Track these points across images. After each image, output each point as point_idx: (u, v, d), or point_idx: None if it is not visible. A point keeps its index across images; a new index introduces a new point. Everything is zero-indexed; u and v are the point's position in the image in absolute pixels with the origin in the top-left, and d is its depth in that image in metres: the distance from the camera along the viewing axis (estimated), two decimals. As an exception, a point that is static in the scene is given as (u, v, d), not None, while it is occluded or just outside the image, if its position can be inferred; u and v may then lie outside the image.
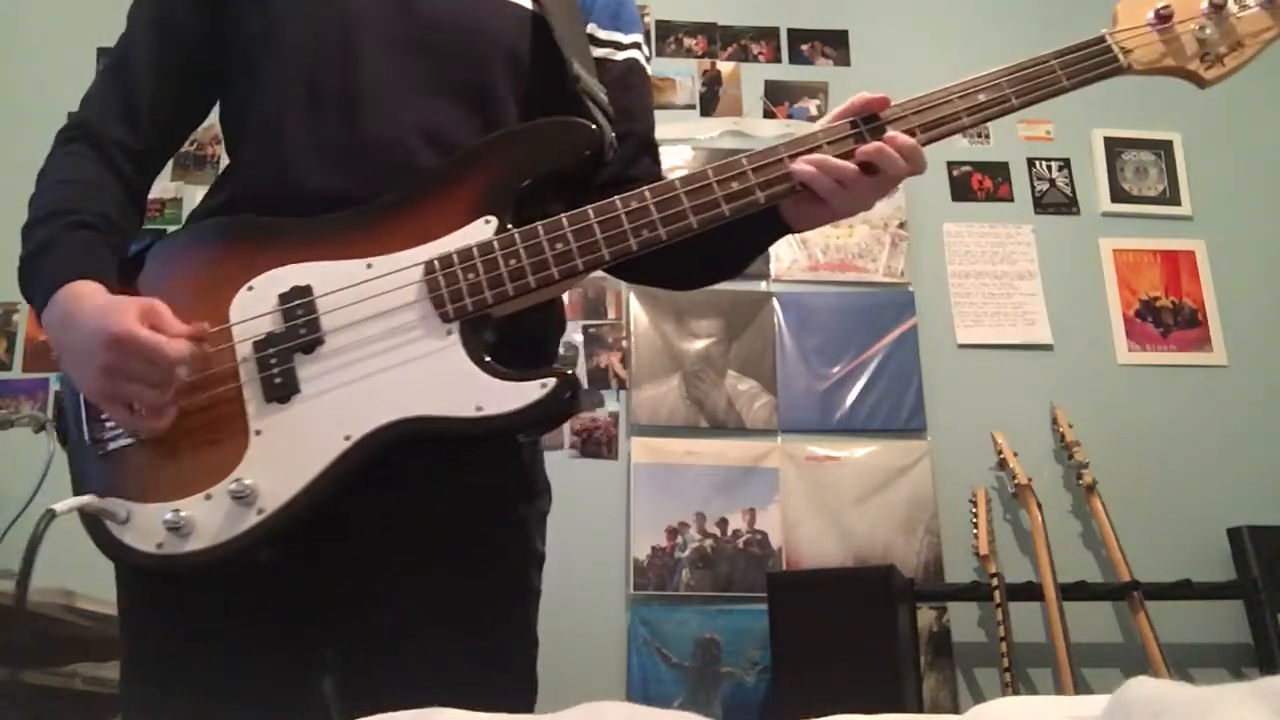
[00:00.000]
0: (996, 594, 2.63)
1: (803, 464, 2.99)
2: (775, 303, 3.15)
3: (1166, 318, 3.23)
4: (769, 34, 3.46)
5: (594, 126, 1.06)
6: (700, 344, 3.10)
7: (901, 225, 3.26)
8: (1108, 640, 2.87)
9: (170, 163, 3.08)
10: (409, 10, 1.10)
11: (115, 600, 1.06)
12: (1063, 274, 3.23)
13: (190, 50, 1.14)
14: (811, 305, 3.16)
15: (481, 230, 1.01)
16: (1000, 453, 2.90)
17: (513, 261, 0.99)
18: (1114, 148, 3.38)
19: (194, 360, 0.96)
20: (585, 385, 3.04)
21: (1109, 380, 3.14)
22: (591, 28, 1.22)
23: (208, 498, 0.94)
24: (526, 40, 1.12)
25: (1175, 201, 3.35)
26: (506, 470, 1.09)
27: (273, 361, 0.98)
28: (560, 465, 2.87)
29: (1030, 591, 2.69)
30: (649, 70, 1.27)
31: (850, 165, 1.02)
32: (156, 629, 1.04)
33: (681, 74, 3.39)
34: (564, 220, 1.01)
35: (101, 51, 3.17)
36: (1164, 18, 1.09)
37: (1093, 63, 1.08)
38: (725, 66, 3.41)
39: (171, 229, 1.13)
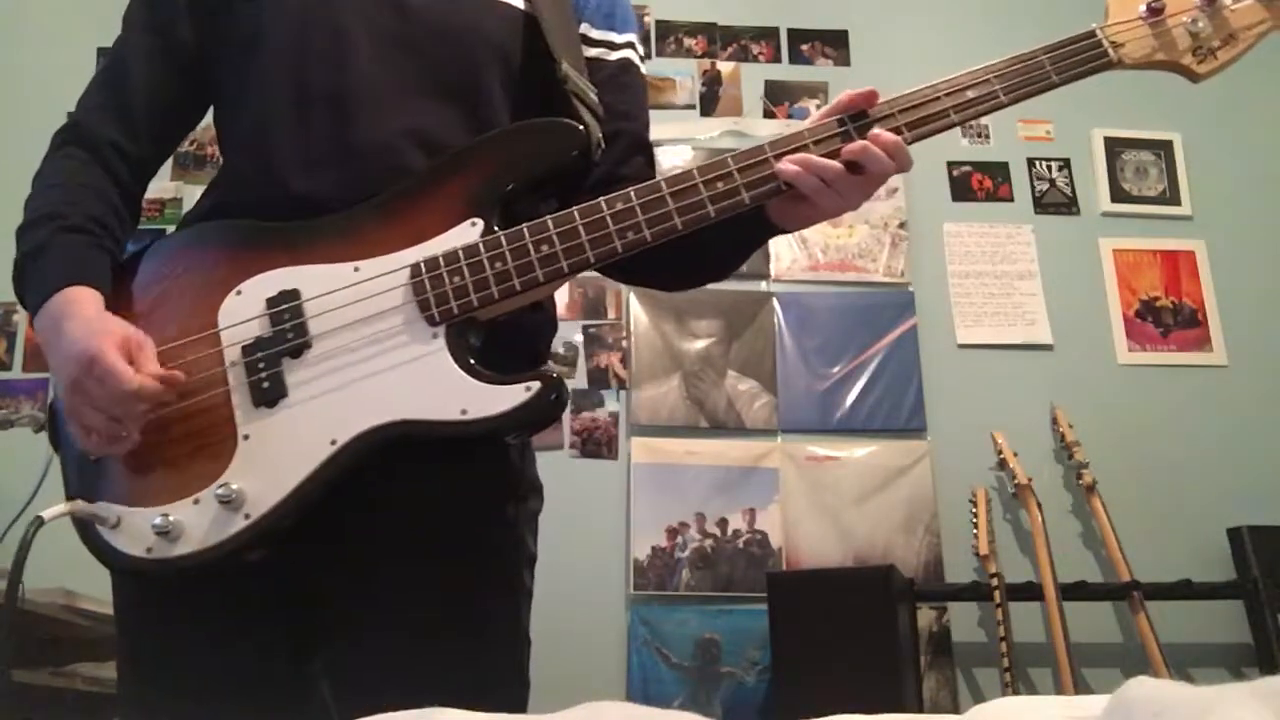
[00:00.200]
0: (996, 594, 2.63)
1: (803, 464, 2.99)
2: (775, 303, 3.15)
3: (1166, 318, 3.22)
4: (769, 34, 3.46)
5: (580, 127, 1.06)
6: (700, 344, 3.10)
7: (901, 225, 3.26)
8: (1108, 640, 2.87)
9: (170, 163, 3.12)
10: (400, 10, 1.10)
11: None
12: (1063, 274, 3.23)
13: (184, 54, 1.14)
14: (811, 305, 3.16)
15: (467, 233, 1.00)
16: (1000, 453, 2.90)
17: (498, 264, 0.99)
18: (1114, 148, 3.38)
19: (159, 400, 0.95)
20: (585, 385, 3.04)
21: (1109, 380, 3.14)
22: (584, 28, 1.22)
23: (196, 502, 0.94)
24: (518, 40, 1.12)
25: (1175, 201, 3.35)
26: (495, 471, 1.09)
27: (260, 366, 0.98)
28: (560, 465, 2.88)
29: (1030, 591, 2.69)
30: (644, 70, 1.27)
31: (835, 164, 1.01)
32: (152, 630, 1.04)
33: (681, 74, 3.39)
34: (549, 222, 1.00)
35: (101, 51, 3.17)
36: (1156, 11, 1.08)
37: (1082, 57, 1.06)
38: (725, 66, 3.41)
39: (171, 229, 1.13)
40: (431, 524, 1.03)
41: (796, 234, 3.19)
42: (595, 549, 2.86)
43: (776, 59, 3.44)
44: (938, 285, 3.21)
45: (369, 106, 1.06)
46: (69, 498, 0.97)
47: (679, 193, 1.02)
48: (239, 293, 1.01)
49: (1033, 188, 3.33)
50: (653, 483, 2.95)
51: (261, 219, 1.04)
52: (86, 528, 0.96)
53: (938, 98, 1.05)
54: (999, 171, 3.34)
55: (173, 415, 0.96)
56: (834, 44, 3.46)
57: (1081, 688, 2.61)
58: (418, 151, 1.06)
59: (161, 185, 3.13)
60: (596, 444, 2.99)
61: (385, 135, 1.05)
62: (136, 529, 0.94)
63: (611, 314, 3.11)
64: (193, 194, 3.10)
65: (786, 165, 1.02)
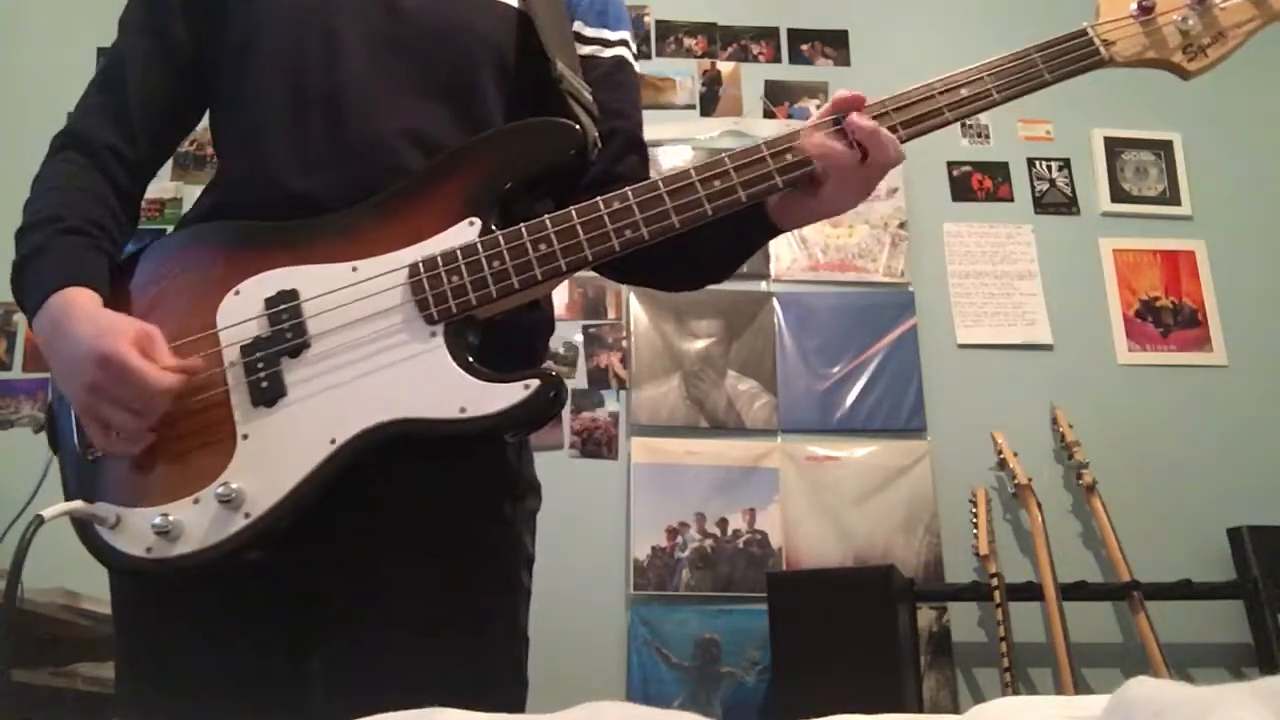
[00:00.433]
0: (996, 594, 2.64)
1: (803, 464, 2.99)
2: (775, 303, 3.15)
3: (1166, 318, 3.23)
4: (769, 34, 3.46)
5: (577, 127, 1.06)
6: (700, 344, 3.10)
7: (901, 225, 3.26)
8: (1108, 640, 2.87)
9: (170, 163, 3.12)
10: (394, 10, 1.10)
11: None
12: (1063, 274, 3.23)
13: (181, 56, 1.14)
14: (811, 305, 3.16)
15: (466, 232, 1.01)
16: (1000, 453, 2.90)
17: (496, 263, 0.99)
18: (1114, 148, 3.38)
19: (180, 393, 0.96)
20: (585, 385, 3.04)
21: (1109, 380, 3.14)
22: (578, 26, 1.22)
23: (195, 502, 0.94)
24: (513, 39, 1.12)
25: (1175, 201, 3.35)
26: (493, 470, 1.09)
27: (259, 366, 0.98)
28: (560, 465, 2.88)
29: (1030, 591, 2.69)
30: (637, 67, 1.27)
31: (847, 149, 1.01)
32: (150, 629, 1.04)
33: (681, 74, 3.39)
34: (547, 221, 1.01)
35: (101, 51, 3.17)
36: (1146, 9, 1.09)
37: (1074, 55, 1.07)
38: (725, 66, 3.41)
39: (171, 229, 1.13)
40: (429, 523, 1.03)
41: (796, 234, 3.19)
42: (595, 549, 2.86)
43: (776, 59, 3.44)
44: (938, 285, 3.21)
45: (364, 107, 1.06)
46: (68, 498, 0.97)
47: (676, 191, 1.02)
48: (237, 293, 1.01)
49: (1033, 188, 3.33)
50: (653, 483, 2.95)
51: (259, 220, 1.04)
52: (85, 528, 0.96)
53: (932, 96, 1.06)
54: (999, 171, 3.34)
55: (172, 415, 0.96)
56: (834, 44, 3.46)
57: (1081, 688, 2.61)
58: (414, 151, 1.06)
59: (161, 185, 3.14)
60: (596, 444, 2.99)
61: (381, 135, 1.06)
62: (136, 529, 0.94)
63: (611, 314, 3.12)
64: (193, 194, 3.09)
65: (809, 141, 1.02)
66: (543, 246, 1.00)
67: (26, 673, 2.04)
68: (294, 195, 1.04)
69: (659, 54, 3.41)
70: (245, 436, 0.96)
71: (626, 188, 1.02)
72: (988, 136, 3.37)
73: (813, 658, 2.39)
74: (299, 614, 1.02)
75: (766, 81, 3.40)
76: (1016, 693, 2.60)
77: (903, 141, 1.04)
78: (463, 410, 0.95)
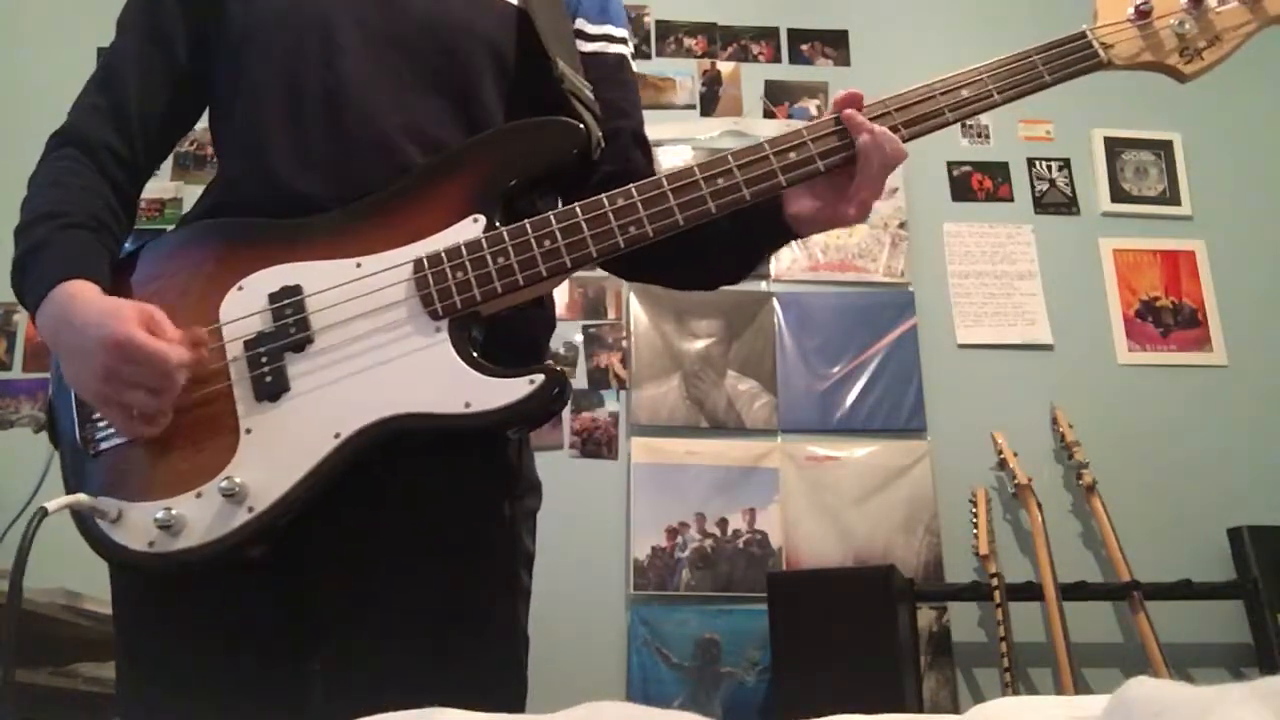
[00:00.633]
0: (996, 594, 2.63)
1: (803, 464, 2.99)
2: (775, 303, 3.15)
3: (1166, 318, 3.23)
4: (769, 34, 3.46)
5: (580, 126, 1.06)
6: (700, 344, 3.10)
7: (901, 225, 3.26)
8: (1108, 640, 2.87)
9: (170, 162, 3.12)
10: (393, 9, 1.10)
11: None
12: (1063, 274, 3.23)
13: (179, 57, 1.14)
14: (811, 305, 3.16)
15: (470, 229, 1.01)
16: (1000, 453, 2.90)
17: (501, 260, 0.99)
18: (1114, 148, 3.38)
19: (190, 365, 0.96)
20: (585, 385, 3.04)
21: (1109, 380, 3.14)
22: (580, 23, 1.23)
23: (199, 496, 0.94)
24: (511, 37, 1.13)
25: (1175, 201, 3.35)
26: (494, 468, 1.09)
27: (263, 360, 0.98)
28: (560, 465, 2.87)
29: (1030, 591, 2.69)
30: (635, 66, 1.28)
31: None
32: (150, 628, 1.04)
33: (681, 74, 3.39)
34: (551, 218, 1.01)
35: (101, 51, 3.16)
36: (1144, 13, 1.11)
37: (1073, 58, 1.09)
38: (725, 66, 3.41)
39: (170, 229, 1.13)
40: (429, 520, 1.03)
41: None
42: (595, 549, 2.86)
43: (776, 59, 3.44)
44: (938, 285, 3.21)
45: (364, 105, 1.06)
46: (69, 493, 0.97)
47: (680, 189, 1.03)
48: (240, 288, 1.01)
49: (1033, 188, 3.34)
50: (653, 483, 2.95)
51: (260, 218, 1.04)
52: (87, 521, 0.96)
53: (933, 96, 1.07)
54: (999, 171, 3.34)
55: (175, 409, 0.96)
56: (834, 44, 3.46)
57: (1081, 688, 2.61)
58: (414, 149, 1.06)
59: (161, 185, 3.14)
60: (596, 444, 2.99)
61: (381, 133, 1.06)
62: (138, 523, 0.94)
63: (611, 314, 3.12)
64: (193, 194, 3.09)
65: (858, 119, 1.03)
66: (547, 243, 1.00)
67: (27, 672, 2.04)
68: (295, 194, 1.04)
69: (659, 54, 3.41)
70: (249, 431, 0.96)
71: (631, 185, 1.03)
72: (988, 136, 3.37)
73: (813, 658, 2.39)
74: (299, 613, 1.02)
75: (766, 81, 3.40)
76: (1016, 693, 2.60)
77: (905, 141, 1.05)
78: (468, 405, 0.95)
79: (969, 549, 2.80)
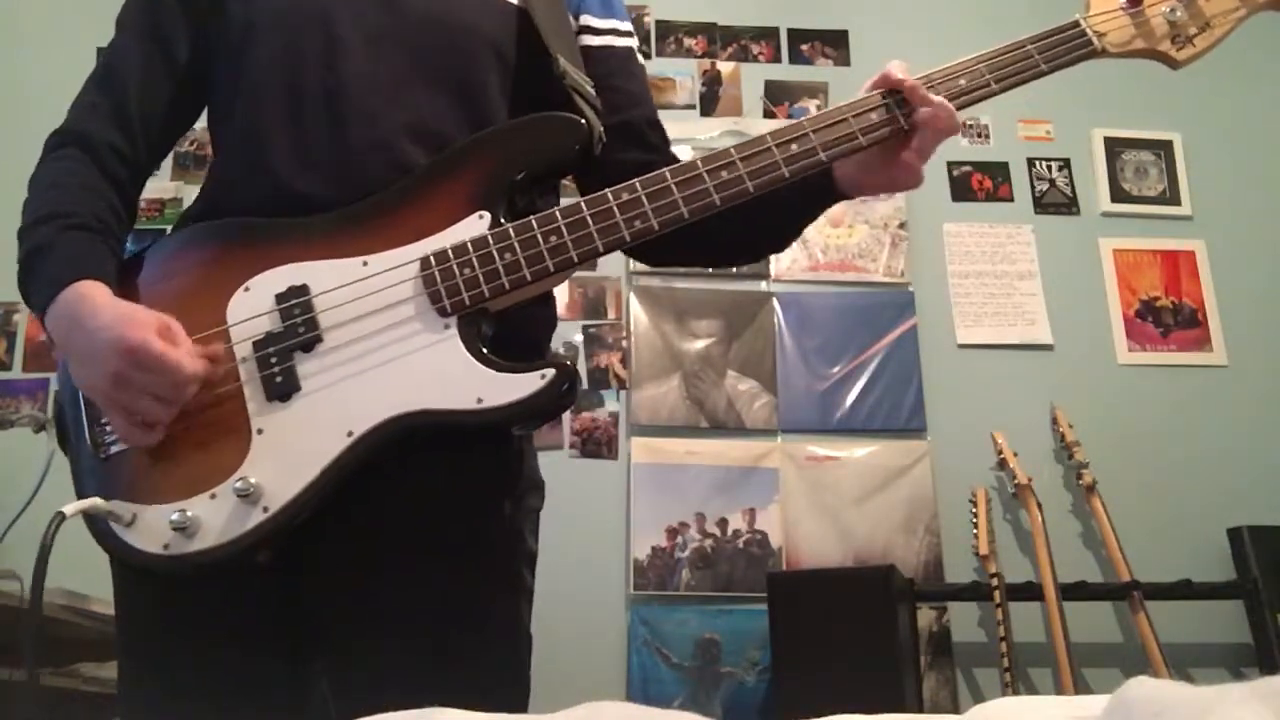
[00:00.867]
0: (996, 594, 2.63)
1: (803, 464, 2.99)
2: (775, 303, 3.15)
3: (1166, 318, 3.23)
4: (769, 34, 3.46)
5: (583, 121, 1.07)
6: (700, 344, 3.10)
7: (901, 225, 3.26)
8: (1108, 640, 2.87)
9: (170, 162, 3.12)
10: (393, 9, 1.10)
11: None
12: (1063, 274, 3.23)
13: (178, 57, 1.14)
14: (811, 305, 3.16)
15: (475, 225, 1.02)
16: (1000, 453, 2.90)
17: (508, 255, 1.00)
18: (1114, 148, 3.38)
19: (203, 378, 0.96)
20: (585, 385, 3.04)
21: (1109, 380, 3.14)
22: (586, 19, 1.24)
23: (213, 497, 0.94)
24: (512, 35, 1.13)
25: (1175, 201, 3.35)
26: (496, 465, 1.09)
27: (272, 360, 0.98)
28: (560, 465, 2.87)
29: (1030, 591, 2.69)
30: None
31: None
32: (152, 628, 1.04)
33: (681, 74, 3.39)
34: (557, 214, 1.02)
35: (101, 51, 3.16)
36: (1135, 1, 1.12)
37: (1068, 46, 1.12)
38: (725, 66, 3.41)
39: (170, 229, 1.13)
40: (430, 518, 1.03)
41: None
42: (595, 549, 2.86)
43: (776, 59, 3.44)
44: (938, 285, 3.21)
45: (365, 104, 1.06)
46: (81, 497, 0.97)
47: (684, 182, 1.04)
48: (247, 289, 1.01)
49: (1033, 188, 3.34)
50: (653, 483, 2.95)
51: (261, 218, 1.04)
52: (101, 525, 0.95)
53: (931, 86, 1.09)
54: (999, 171, 3.34)
55: (186, 412, 0.96)
56: (834, 44, 3.46)
57: (1081, 688, 2.61)
58: (416, 148, 1.06)
59: (161, 185, 3.13)
60: (596, 444, 2.99)
61: (382, 132, 1.06)
62: (153, 526, 0.94)
63: (611, 314, 3.11)
64: (192, 194, 3.07)
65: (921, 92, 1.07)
66: (553, 238, 1.01)
67: (27, 672, 2.04)
68: (295, 194, 1.04)
69: (659, 54, 3.40)
70: (260, 431, 0.96)
71: (635, 180, 1.04)
72: (988, 136, 3.37)
73: (813, 658, 2.39)
74: (300, 614, 1.02)
75: (766, 81, 3.40)
76: (1016, 693, 2.60)
77: (905, 132, 1.08)
78: (480, 400, 0.96)
79: (969, 549, 2.80)
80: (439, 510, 1.03)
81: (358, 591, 1.02)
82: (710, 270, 3.15)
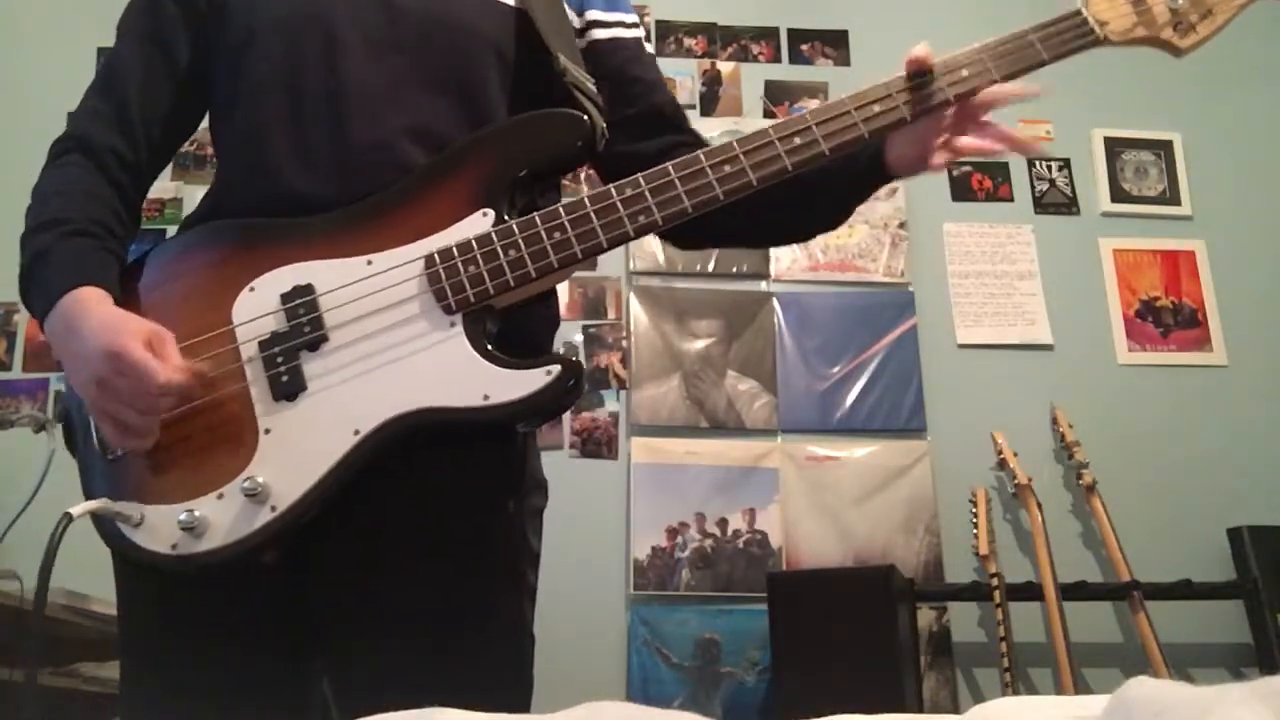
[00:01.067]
0: (996, 594, 2.63)
1: (803, 464, 2.99)
2: (775, 303, 3.15)
3: (1166, 318, 3.23)
4: (769, 34, 3.46)
5: (585, 118, 1.07)
6: (700, 344, 3.10)
7: (901, 225, 3.26)
8: (1108, 640, 2.87)
9: (170, 162, 3.10)
10: (392, 10, 1.11)
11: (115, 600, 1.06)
12: (1063, 274, 3.23)
13: (179, 61, 1.14)
14: (811, 305, 3.16)
15: (479, 223, 1.02)
16: (1000, 453, 2.90)
17: (512, 252, 1.00)
18: (1114, 148, 3.38)
19: (186, 394, 0.96)
20: (585, 385, 3.04)
21: (1109, 380, 3.14)
22: (592, 14, 1.24)
23: (220, 497, 0.95)
24: (511, 35, 1.13)
25: (1175, 201, 3.35)
26: (501, 464, 1.09)
27: (279, 360, 0.98)
28: (560, 465, 2.87)
29: (1030, 591, 2.69)
30: None
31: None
32: (154, 628, 1.04)
33: (681, 74, 3.39)
34: (561, 210, 1.02)
35: (101, 51, 3.17)
36: None
37: (1070, 35, 1.12)
38: (725, 66, 3.41)
39: (171, 229, 1.13)
40: (432, 516, 1.03)
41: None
42: (595, 549, 2.86)
43: (776, 59, 3.44)
44: (938, 285, 3.21)
45: (365, 105, 1.07)
46: (88, 498, 0.97)
47: (687, 176, 1.04)
48: (252, 289, 1.01)
49: (1033, 188, 3.33)
50: (653, 483, 2.95)
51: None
52: (108, 526, 0.96)
53: (934, 77, 1.12)
54: (999, 171, 3.34)
55: (192, 412, 0.97)
56: (834, 44, 3.46)
57: (1081, 688, 2.61)
58: (417, 148, 1.06)
59: (162, 185, 3.13)
60: (596, 444, 2.99)
61: (383, 133, 1.06)
62: (161, 526, 0.94)
63: (611, 314, 3.11)
64: (193, 194, 3.10)
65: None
66: (557, 235, 1.01)
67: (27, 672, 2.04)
68: (296, 194, 1.04)
69: (659, 54, 3.40)
70: (267, 431, 0.97)
71: (639, 175, 1.04)
72: (988, 136, 3.37)
73: (813, 658, 2.39)
74: (302, 614, 1.02)
75: (766, 81, 3.40)
76: (1016, 693, 2.60)
77: (909, 121, 1.10)
78: (486, 397, 0.96)
79: (969, 549, 2.80)
80: (442, 508, 1.03)
81: (360, 591, 1.02)
82: (710, 270, 3.15)
